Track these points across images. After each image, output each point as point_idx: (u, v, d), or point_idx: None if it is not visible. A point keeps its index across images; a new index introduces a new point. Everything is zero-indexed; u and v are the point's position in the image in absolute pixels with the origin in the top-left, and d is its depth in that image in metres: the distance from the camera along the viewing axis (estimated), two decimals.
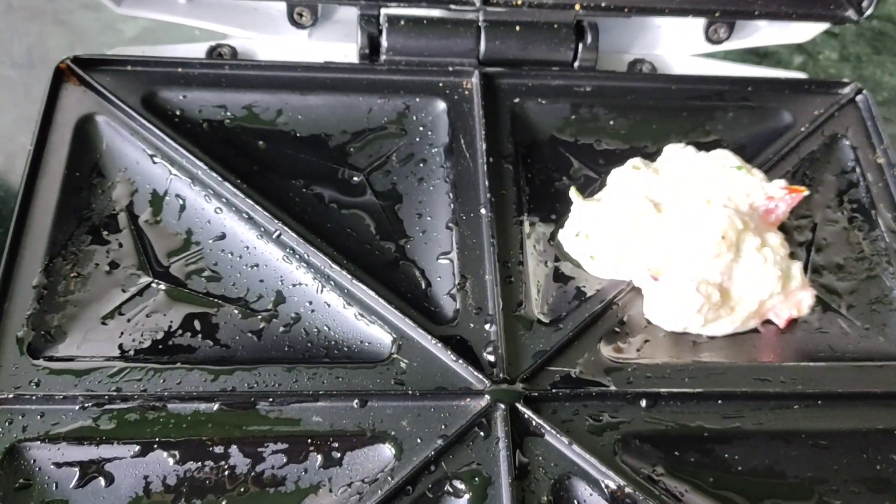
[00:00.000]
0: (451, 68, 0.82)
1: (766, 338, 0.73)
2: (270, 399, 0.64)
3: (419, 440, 0.64)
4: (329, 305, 0.70)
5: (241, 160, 0.76)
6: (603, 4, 0.83)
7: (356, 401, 0.65)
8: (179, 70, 0.79)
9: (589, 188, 0.79)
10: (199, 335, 0.68)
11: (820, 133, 0.84)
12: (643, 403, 0.67)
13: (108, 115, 0.76)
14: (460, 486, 0.63)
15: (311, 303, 0.70)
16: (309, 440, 0.64)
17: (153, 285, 0.70)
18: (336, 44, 0.86)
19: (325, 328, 0.69)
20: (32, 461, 0.61)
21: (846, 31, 1.15)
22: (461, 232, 0.74)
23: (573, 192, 0.76)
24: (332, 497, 0.62)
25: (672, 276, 0.70)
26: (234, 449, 0.63)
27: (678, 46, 0.89)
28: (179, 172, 0.74)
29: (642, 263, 0.71)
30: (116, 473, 0.61)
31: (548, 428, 0.65)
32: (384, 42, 0.82)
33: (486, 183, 0.76)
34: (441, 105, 0.82)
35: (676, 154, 0.78)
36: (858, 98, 0.86)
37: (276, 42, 0.86)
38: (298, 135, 0.79)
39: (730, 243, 0.70)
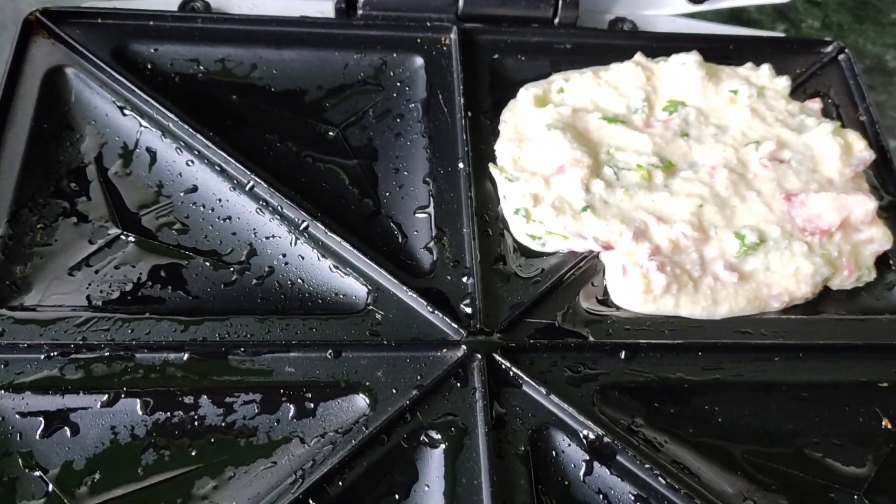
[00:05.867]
0: (429, 24, 0.81)
1: None
2: (242, 349, 0.63)
3: (394, 390, 0.63)
4: (303, 258, 0.68)
5: (214, 114, 0.75)
6: None
7: (330, 351, 0.64)
8: (151, 23, 0.78)
9: None
10: (169, 287, 0.66)
11: (802, 92, 0.84)
12: (622, 355, 0.66)
13: (78, 68, 0.75)
14: (436, 436, 0.61)
15: (284, 255, 0.69)
16: (281, 390, 0.62)
17: (122, 237, 0.68)
18: None
19: (300, 281, 0.68)
20: None
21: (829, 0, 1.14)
22: (438, 186, 0.73)
23: (493, 169, 0.74)
24: (304, 448, 0.61)
25: (627, 245, 0.68)
26: (204, 399, 0.61)
27: (659, 6, 0.88)
28: (150, 125, 0.73)
29: (590, 233, 0.69)
30: (83, 423, 0.60)
31: (525, 378, 0.63)
32: None
33: (465, 137, 0.74)
34: (419, 61, 0.80)
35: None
36: (840, 57, 0.86)
37: None
38: (273, 90, 0.78)
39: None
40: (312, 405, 0.62)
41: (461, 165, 0.74)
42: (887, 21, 1.12)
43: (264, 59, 0.79)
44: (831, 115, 0.82)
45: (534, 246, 0.71)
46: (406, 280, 0.67)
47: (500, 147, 0.75)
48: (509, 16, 0.83)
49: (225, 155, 0.70)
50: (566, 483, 0.61)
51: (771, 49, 0.85)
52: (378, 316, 0.65)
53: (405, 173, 0.74)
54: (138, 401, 0.61)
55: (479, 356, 0.64)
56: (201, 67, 0.77)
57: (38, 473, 0.58)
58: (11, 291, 0.64)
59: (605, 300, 0.69)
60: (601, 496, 0.61)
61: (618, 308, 0.69)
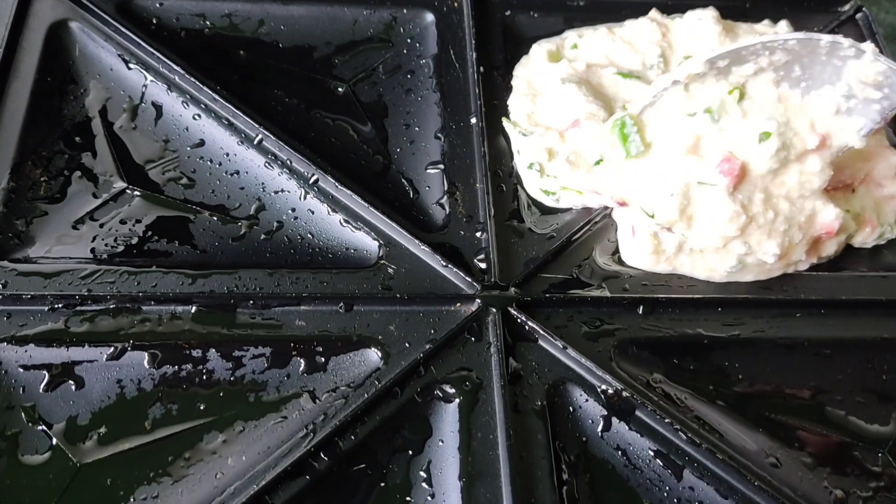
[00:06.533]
0: None
1: None
2: (251, 301, 0.61)
3: (407, 344, 0.61)
4: (313, 212, 0.67)
5: (221, 69, 0.73)
6: None
7: (341, 304, 0.62)
8: None
9: None
10: (176, 241, 0.65)
11: None
12: (640, 310, 0.65)
13: (82, 21, 0.73)
14: (450, 390, 0.60)
15: (293, 210, 0.67)
16: (291, 344, 0.61)
17: (128, 191, 0.66)
18: None
19: (309, 235, 0.66)
20: None
21: None
22: (451, 141, 0.71)
23: (507, 124, 0.72)
24: (316, 402, 0.59)
25: (641, 200, 0.66)
26: (212, 353, 0.60)
27: None
28: (156, 78, 0.71)
29: (606, 190, 0.67)
30: (87, 377, 0.58)
31: (542, 332, 0.62)
32: None
33: (478, 91, 0.73)
34: (429, 17, 0.79)
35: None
36: (858, 16, 0.84)
37: None
38: (281, 45, 0.76)
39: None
40: (323, 359, 0.61)
41: (474, 120, 0.72)
42: None
43: (272, 14, 0.77)
44: None
45: (548, 201, 0.69)
46: (418, 234, 0.65)
47: (513, 102, 0.73)
48: None
49: (233, 108, 0.69)
50: (584, 438, 0.60)
51: (788, 7, 0.84)
52: (390, 270, 0.64)
53: (416, 129, 0.73)
54: (145, 354, 0.59)
55: (494, 310, 0.62)
56: (208, 22, 0.76)
57: (41, 427, 0.56)
58: (14, 244, 0.62)
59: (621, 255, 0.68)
60: (620, 452, 0.60)
61: None
